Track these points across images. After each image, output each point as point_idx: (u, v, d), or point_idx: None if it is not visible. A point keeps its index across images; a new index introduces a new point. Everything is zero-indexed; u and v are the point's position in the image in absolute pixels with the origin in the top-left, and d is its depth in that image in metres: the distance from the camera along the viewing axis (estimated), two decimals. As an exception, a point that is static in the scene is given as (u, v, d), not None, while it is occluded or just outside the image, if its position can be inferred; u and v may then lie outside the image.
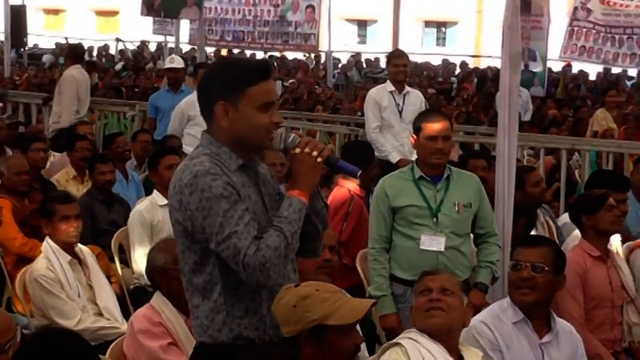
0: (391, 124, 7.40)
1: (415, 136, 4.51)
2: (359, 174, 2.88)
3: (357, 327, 2.76)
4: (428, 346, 3.16)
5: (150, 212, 5.44)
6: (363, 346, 3.78)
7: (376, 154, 6.60)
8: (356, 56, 22.82)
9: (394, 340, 3.23)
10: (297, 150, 2.74)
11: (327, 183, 6.06)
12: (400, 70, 7.49)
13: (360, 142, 7.37)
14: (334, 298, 2.65)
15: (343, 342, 2.67)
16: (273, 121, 2.73)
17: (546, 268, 3.65)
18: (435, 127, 4.42)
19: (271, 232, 2.63)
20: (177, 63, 9.05)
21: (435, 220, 4.37)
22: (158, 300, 3.74)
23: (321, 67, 20.85)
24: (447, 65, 21.99)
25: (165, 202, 5.10)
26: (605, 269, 4.55)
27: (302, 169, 2.73)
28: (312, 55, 20.97)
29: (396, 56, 7.61)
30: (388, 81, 7.61)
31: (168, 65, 9.09)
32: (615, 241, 4.93)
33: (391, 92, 7.45)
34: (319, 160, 2.73)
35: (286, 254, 2.64)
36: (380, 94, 7.51)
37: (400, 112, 7.42)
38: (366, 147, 6.29)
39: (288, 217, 2.65)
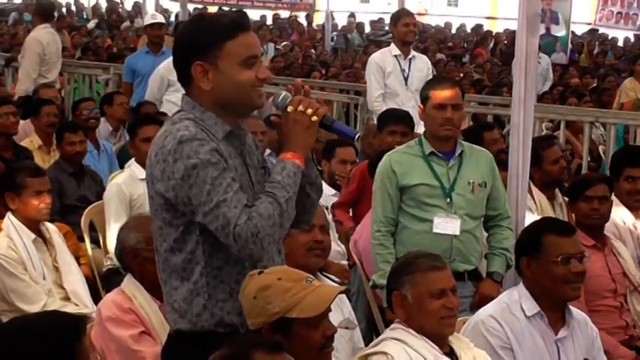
0: (396, 91, 7.38)
1: (422, 106, 4.50)
2: (357, 137, 2.86)
3: (329, 316, 2.74)
4: (417, 346, 3.16)
5: (129, 186, 5.44)
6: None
7: None
8: (354, 16, 22.74)
9: (378, 348, 3.20)
10: (290, 108, 2.73)
11: (328, 156, 6.07)
12: (411, 29, 7.47)
13: None
14: (297, 287, 2.63)
15: (311, 335, 2.66)
16: (259, 76, 2.72)
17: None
18: (443, 94, 4.40)
19: (263, 199, 2.62)
20: (160, 19, 8.99)
21: (448, 200, 4.37)
22: (129, 284, 3.73)
23: (317, 27, 20.79)
24: (459, 28, 21.95)
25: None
26: (602, 258, 4.57)
27: (295, 129, 2.72)
28: (304, 14, 20.89)
29: (406, 14, 7.58)
30: (392, 44, 7.59)
31: (150, 21, 8.96)
32: (629, 219, 4.95)
33: (396, 56, 7.43)
34: (314, 119, 2.72)
35: (281, 223, 2.64)
36: (384, 58, 7.48)
37: (406, 79, 7.41)
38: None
39: (282, 182, 2.65)
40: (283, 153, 2.73)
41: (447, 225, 4.35)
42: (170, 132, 2.67)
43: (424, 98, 4.49)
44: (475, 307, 4.19)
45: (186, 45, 2.73)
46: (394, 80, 7.39)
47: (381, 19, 22.06)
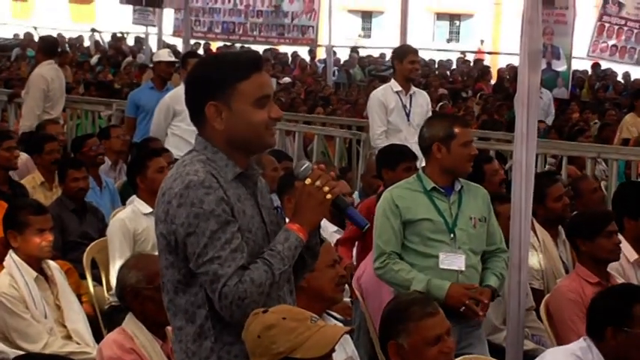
0: (399, 127, 7.39)
1: (440, 144, 4.46)
2: (366, 227, 2.86)
3: (333, 356, 2.73)
4: None
5: (133, 221, 5.45)
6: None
7: None
8: (356, 51, 22.84)
9: None
10: (308, 181, 2.74)
11: (288, 190, 5.94)
12: (415, 67, 7.50)
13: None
14: (302, 327, 2.61)
15: None
16: (272, 116, 2.73)
17: None
18: (469, 132, 4.52)
19: (259, 266, 2.63)
20: (171, 56, 8.98)
21: (452, 235, 4.38)
22: (130, 323, 3.72)
23: (319, 62, 20.87)
24: (460, 63, 22.05)
25: (150, 210, 5.14)
26: None
27: (309, 203, 2.73)
28: (307, 49, 21.00)
29: (412, 52, 7.57)
30: (393, 80, 7.59)
31: (166, 58, 8.89)
32: (632, 255, 4.95)
33: (397, 92, 7.46)
34: (328, 197, 2.73)
35: (269, 292, 2.65)
36: (386, 94, 7.49)
37: (408, 115, 7.42)
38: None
39: (282, 253, 2.66)
40: (290, 223, 2.73)
41: (452, 260, 4.36)
42: (180, 174, 2.67)
43: (447, 136, 4.45)
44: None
45: (201, 85, 2.74)
46: (397, 116, 7.40)
47: (382, 55, 22.18)
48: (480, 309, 4.31)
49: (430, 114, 7.54)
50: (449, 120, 4.71)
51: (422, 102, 7.54)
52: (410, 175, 5.36)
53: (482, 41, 29.69)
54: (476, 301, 4.30)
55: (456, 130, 4.46)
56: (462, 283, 4.34)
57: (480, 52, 26.15)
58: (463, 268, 4.36)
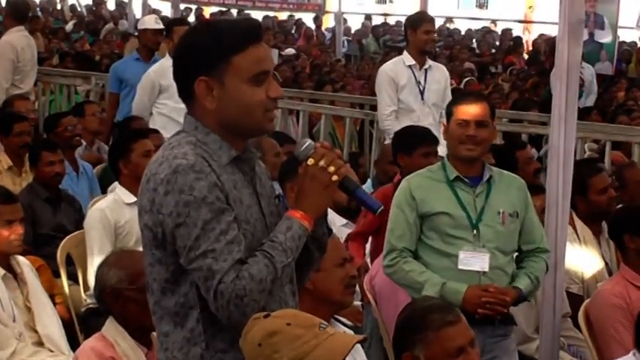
0: (411, 107, 7.36)
1: (446, 124, 4.52)
2: (379, 210, 2.83)
3: None
4: None
5: (114, 211, 5.45)
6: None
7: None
8: (370, 19, 22.84)
9: None
10: (311, 161, 2.73)
11: (292, 177, 5.95)
12: (432, 37, 7.49)
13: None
14: (309, 335, 2.59)
15: None
16: (270, 95, 2.72)
17: None
18: (468, 109, 4.42)
19: (259, 259, 2.62)
20: (158, 23, 8.86)
21: (475, 232, 4.37)
22: (111, 328, 3.73)
23: (326, 32, 20.87)
24: (486, 33, 22.01)
25: (133, 199, 5.14)
26: None
27: (312, 187, 2.72)
28: (313, 17, 21.00)
29: (428, 20, 7.55)
30: (405, 52, 7.56)
31: (152, 26, 8.79)
32: None
33: (410, 67, 7.43)
34: (334, 178, 2.71)
35: (271, 290, 2.64)
36: (397, 69, 7.46)
37: (422, 93, 7.40)
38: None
39: (284, 244, 2.65)
40: (293, 210, 2.72)
41: (473, 260, 4.34)
42: (166, 158, 2.66)
43: (448, 114, 4.52)
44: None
45: (190, 58, 2.73)
46: (409, 94, 7.37)
47: (398, 23, 22.15)
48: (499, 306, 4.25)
49: (449, 92, 7.56)
50: (455, 97, 4.70)
51: (439, 77, 7.52)
52: (429, 162, 5.38)
53: (530, 7, 29.24)
54: (494, 304, 4.25)
55: (453, 107, 4.48)
56: (480, 285, 4.30)
57: (526, 21, 25.98)
58: (486, 269, 4.32)
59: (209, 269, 2.58)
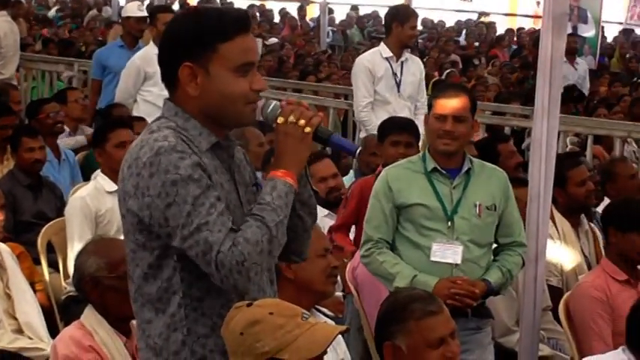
0: (387, 99, 7.37)
1: (427, 116, 4.52)
2: (358, 151, 2.86)
3: (324, 358, 2.72)
4: None
5: (95, 199, 5.44)
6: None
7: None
8: (356, 9, 22.82)
9: None
10: (280, 120, 2.73)
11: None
12: (416, 33, 7.49)
13: None
14: (291, 324, 2.60)
15: None
16: (253, 87, 2.72)
17: None
18: (447, 104, 4.41)
19: (251, 223, 2.62)
20: (141, 10, 8.84)
21: (449, 224, 4.36)
22: (90, 317, 3.70)
23: (310, 21, 20.83)
24: (472, 26, 22.00)
25: (114, 187, 5.11)
26: (635, 295, 4.51)
27: (287, 143, 2.72)
28: (297, 6, 20.94)
29: (415, 15, 7.56)
30: (383, 44, 7.55)
31: (136, 14, 8.78)
32: None
33: (387, 59, 7.42)
34: (307, 130, 2.72)
35: (270, 250, 2.63)
36: (374, 61, 7.44)
37: (398, 85, 7.40)
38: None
39: (272, 204, 2.64)
40: (273, 170, 2.72)
41: (446, 252, 4.33)
42: (147, 142, 2.66)
43: (429, 107, 4.53)
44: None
45: (177, 42, 2.72)
46: (385, 86, 7.37)
47: (375, 12, 22.12)
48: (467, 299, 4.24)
49: (423, 85, 7.60)
50: (436, 89, 4.70)
51: (414, 70, 7.53)
52: (397, 151, 5.39)
53: (537, 3, 28.90)
54: (463, 296, 4.23)
55: (433, 100, 4.47)
56: (450, 277, 4.29)
57: (536, 16, 25.80)
58: (459, 262, 4.31)
59: (205, 242, 2.57)
